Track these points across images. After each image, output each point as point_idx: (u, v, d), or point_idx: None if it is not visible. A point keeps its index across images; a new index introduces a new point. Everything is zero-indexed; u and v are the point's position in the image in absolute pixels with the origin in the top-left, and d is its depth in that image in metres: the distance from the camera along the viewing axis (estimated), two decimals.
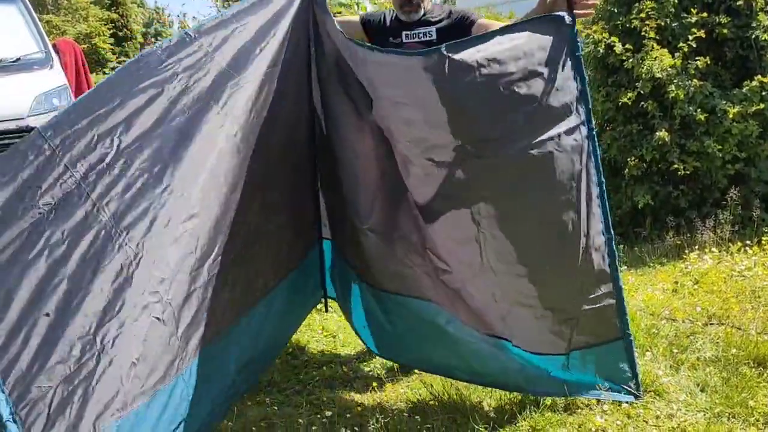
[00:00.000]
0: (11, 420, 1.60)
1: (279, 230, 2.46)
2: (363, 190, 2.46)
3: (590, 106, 2.04)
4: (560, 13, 2.00)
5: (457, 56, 1.96)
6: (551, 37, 1.98)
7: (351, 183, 2.50)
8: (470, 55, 1.96)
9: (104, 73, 21.86)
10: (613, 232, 2.13)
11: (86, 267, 1.78)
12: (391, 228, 2.41)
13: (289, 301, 2.64)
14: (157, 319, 1.84)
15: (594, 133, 2.05)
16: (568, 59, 1.99)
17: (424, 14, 2.53)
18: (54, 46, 6.52)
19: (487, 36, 2.03)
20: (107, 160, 1.87)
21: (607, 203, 2.10)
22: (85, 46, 20.99)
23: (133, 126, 1.92)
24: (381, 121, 2.21)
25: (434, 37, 2.48)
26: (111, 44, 24.46)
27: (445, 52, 1.96)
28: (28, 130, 5.55)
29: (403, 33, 2.54)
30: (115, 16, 25.61)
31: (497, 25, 2.34)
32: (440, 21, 2.53)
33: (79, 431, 1.65)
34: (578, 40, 2.02)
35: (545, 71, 1.97)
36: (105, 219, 1.83)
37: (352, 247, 2.59)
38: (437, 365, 2.54)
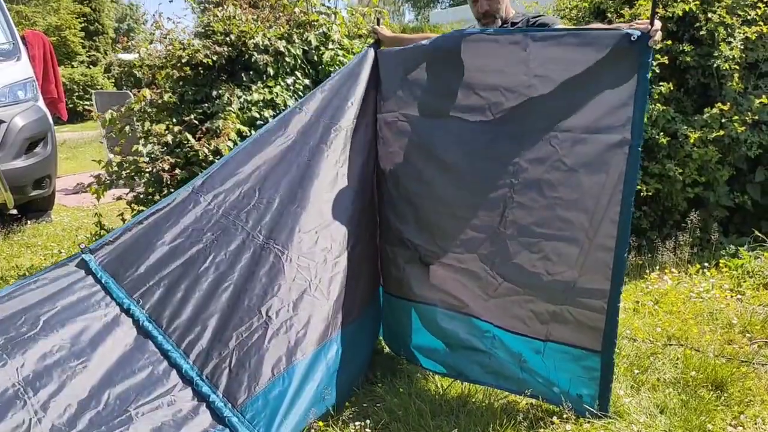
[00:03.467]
0: (200, 380, 2.23)
1: (370, 245, 2.88)
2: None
3: (641, 129, 2.14)
4: (640, 34, 2.09)
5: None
6: (625, 56, 2.12)
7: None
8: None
9: (72, 66, 21.38)
10: (625, 256, 2.20)
11: (248, 271, 2.44)
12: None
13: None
14: (310, 295, 2.42)
15: (637, 155, 2.15)
16: (634, 81, 2.12)
17: (504, 23, 2.70)
18: (22, 37, 6.35)
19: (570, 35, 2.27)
20: (253, 203, 2.64)
21: (628, 226, 2.18)
22: (55, 38, 20.53)
23: (269, 177, 2.70)
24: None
25: None
26: (81, 38, 23.96)
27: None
28: None
29: None
30: (87, 9, 25.10)
31: None
32: (520, 28, 2.66)
33: (261, 375, 2.20)
34: (649, 64, 2.12)
35: (606, 83, 2.16)
36: (259, 240, 2.54)
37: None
38: (420, 351, 2.83)
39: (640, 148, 2.15)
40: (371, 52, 2.96)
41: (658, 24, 2.10)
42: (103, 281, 2.50)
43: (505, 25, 2.70)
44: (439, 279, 2.63)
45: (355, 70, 2.92)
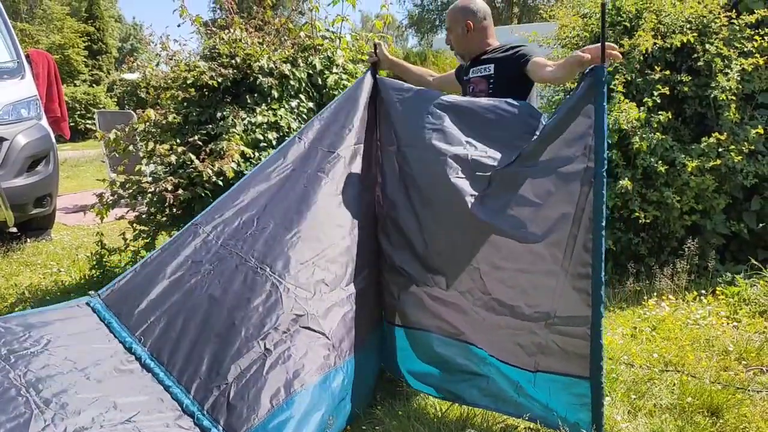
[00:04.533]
0: (201, 414, 2.20)
1: (372, 273, 2.82)
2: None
3: (604, 156, 2.18)
4: (591, 67, 2.20)
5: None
6: (583, 90, 2.21)
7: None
8: None
9: (75, 84, 21.58)
10: (602, 281, 2.19)
11: (241, 296, 2.43)
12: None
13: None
14: (307, 326, 2.39)
15: (602, 182, 2.16)
16: (592, 110, 2.19)
17: (485, 53, 2.91)
18: (27, 56, 6.42)
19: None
20: (250, 231, 2.64)
21: (601, 252, 2.18)
22: (58, 56, 20.74)
23: (267, 206, 2.71)
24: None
25: (492, 71, 2.85)
26: (85, 57, 24.22)
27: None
28: None
29: (470, 69, 2.96)
30: (91, 29, 25.46)
31: (547, 62, 2.60)
32: (498, 59, 2.85)
33: (260, 406, 2.17)
34: (604, 92, 2.18)
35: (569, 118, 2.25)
36: (251, 263, 2.53)
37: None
38: (416, 377, 2.81)
39: (605, 174, 2.17)
40: (369, 78, 2.99)
41: (594, 48, 2.20)
42: (106, 321, 2.53)
43: (484, 56, 2.88)
44: (433, 307, 2.65)
45: (352, 97, 2.94)
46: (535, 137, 2.36)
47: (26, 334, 2.39)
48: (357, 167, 2.83)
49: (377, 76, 3.02)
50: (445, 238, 2.57)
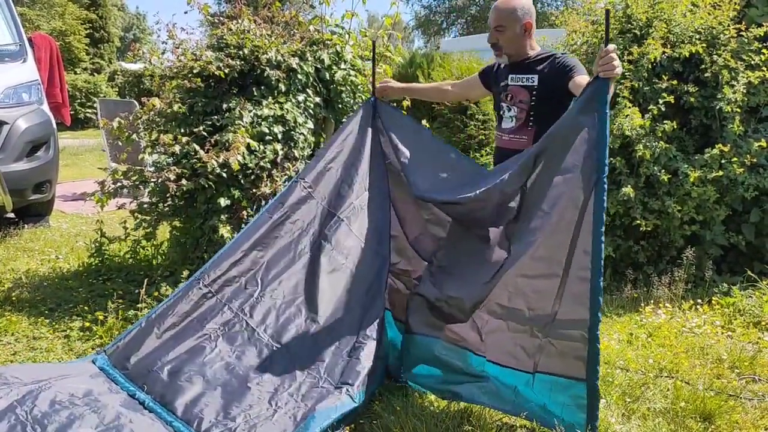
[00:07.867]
0: None
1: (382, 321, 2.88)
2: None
3: (605, 163, 2.23)
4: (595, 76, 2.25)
5: None
6: (586, 100, 2.29)
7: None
8: None
9: (75, 72, 21.44)
10: (600, 285, 2.22)
11: (257, 367, 2.57)
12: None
13: None
14: (319, 387, 2.52)
15: (603, 188, 2.21)
16: (595, 119, 2.26)
17: (528, 59, 2.73)
18: (30, 39, 6.36)
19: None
20: (255, 295, 2.74)
21: (600, 256, 2.21)
22: (59, 43, 20.56)
23: (271, 268, 2.80)
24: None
25: (536, 83, 2.70)
26: (86, 45, 24.08)
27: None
28: None
29: (510, 76, 2.79)
30: (93, 16, 25.32)
31: (582, 84, 2.47)
32: (543, 69, 2.70)
33: None
34: (606, 99, 2.22)
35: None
36: (265, 339, 2.67)
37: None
38: (418, 377, 2.84)
39: (605, 180, 2.22)
40: (369, 110, 3.01)
41: (611, 46, 2.19)
42: (111, 377, 2.61)
43: (526, 61, 2.75)
44: (437, 313, 2.69)
45: (352, 135, 2.98)
46: (544, 149, 2.41)
47: (34, 376, 2.51)
48: (362, 225, 2.88)
49: (379, 106, 3.02)
50: (455, 253, 2.66)
